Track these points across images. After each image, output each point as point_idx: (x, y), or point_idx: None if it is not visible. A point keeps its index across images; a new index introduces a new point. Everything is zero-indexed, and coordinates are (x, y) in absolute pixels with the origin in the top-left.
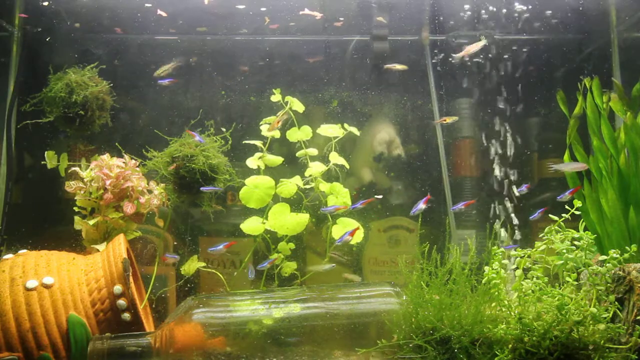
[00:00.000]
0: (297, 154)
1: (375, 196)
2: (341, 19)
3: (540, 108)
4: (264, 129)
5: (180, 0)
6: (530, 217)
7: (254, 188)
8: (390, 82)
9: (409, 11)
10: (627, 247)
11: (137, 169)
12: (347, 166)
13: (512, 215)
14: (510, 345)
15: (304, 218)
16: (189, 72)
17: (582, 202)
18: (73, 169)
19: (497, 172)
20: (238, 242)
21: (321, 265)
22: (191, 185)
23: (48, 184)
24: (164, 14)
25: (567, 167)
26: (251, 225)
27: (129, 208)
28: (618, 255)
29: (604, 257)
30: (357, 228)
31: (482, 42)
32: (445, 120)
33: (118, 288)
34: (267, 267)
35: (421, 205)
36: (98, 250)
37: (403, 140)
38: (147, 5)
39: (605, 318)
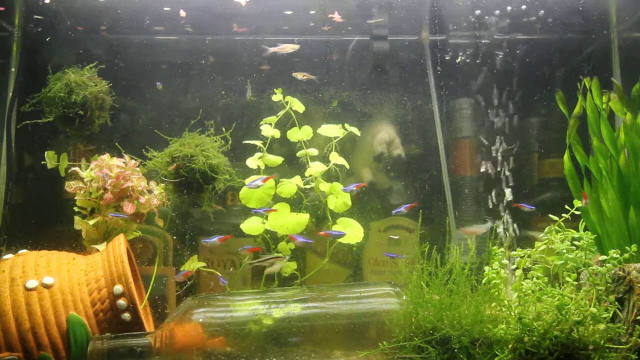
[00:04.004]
0: (298, 154)
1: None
2: (333, 20)
3: (540, 108)
4: (264, 129)
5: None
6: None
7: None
8: (390, 82)
9: (409, 11)
10: (627, 247)
11: (137, 169)
12: (347, 166)
13: (509, 215)
14: (510, 345)
15: (304, 218)
16: (189, 72)
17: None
18: (73, 169)
19: (497, 171)
20: (238, 242)
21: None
22: (191, 185)
23: (48, 184)
24: (183, 14)
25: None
26: (251, 225)
27: (129, 208)
28: (618, 255)
29: (604, 257)
30: (274, 210)
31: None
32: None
33: (118, 288)
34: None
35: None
36: (98, 250)
37: (403, 140)
38: (147, 5)
39: (605, 318)
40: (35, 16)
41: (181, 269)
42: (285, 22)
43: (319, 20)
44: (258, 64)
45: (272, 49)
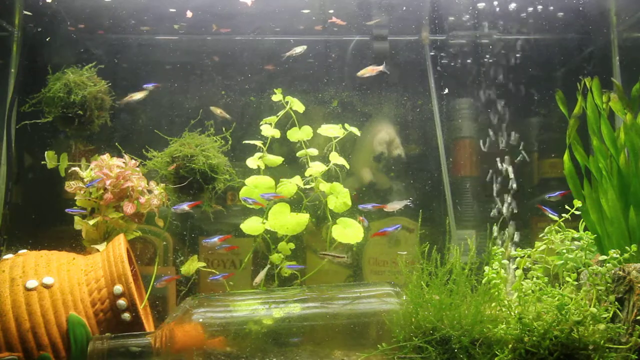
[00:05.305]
0: (298, 154)
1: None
2: (335, 23)
3: (540, 108)
4: (264, 129)
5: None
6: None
7: (254, 188)
8: (390, 82)
9: (409, 11)
10: (627, 247)
11: (137, 169)
12: (347, 166)
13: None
14: (510, 345)
15: (304, 218)
16: (189, 72)
17: (582, 202)
18: (73, 169)
19: (497, 171)
20: (238, 242)
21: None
22: (191, 185)
23: (48, 184)
24: (189, 14)
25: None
26: (251, 225)
27: (129, 208)
28: (618, 255)
29: (604, 257)
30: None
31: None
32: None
33: (118, 288)
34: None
35: (184, 207)
36: (98, 250)
37: (403, 140)
38: (148, 5)
39: (605, 318)
40: (25, 12)
41: (181, 269)
42: (284, 22)
43: (320, 20)
44: (258, 64)
45: (380, 67)
